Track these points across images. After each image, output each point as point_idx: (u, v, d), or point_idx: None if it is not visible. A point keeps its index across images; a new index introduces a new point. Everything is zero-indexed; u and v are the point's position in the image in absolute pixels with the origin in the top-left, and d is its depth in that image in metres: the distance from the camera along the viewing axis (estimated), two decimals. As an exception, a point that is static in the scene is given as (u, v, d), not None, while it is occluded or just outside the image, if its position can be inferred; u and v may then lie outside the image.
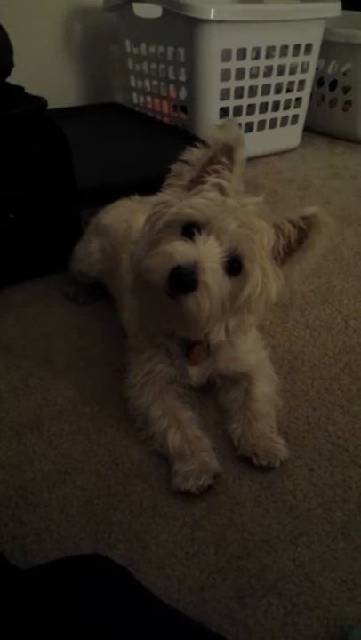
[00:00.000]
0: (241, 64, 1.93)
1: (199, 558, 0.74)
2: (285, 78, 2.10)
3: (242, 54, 1.92)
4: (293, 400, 0.99)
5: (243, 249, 0.73)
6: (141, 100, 2.35)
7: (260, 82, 2.04)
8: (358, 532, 0.76)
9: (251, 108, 2.08)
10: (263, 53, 1.98)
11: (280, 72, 2.07)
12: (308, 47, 2.08)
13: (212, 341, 0.83)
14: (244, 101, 2.04)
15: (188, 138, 1.90)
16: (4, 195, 1.23)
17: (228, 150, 0.78)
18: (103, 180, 1.48)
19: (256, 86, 2.04)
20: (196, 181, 0.80)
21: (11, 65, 1.23)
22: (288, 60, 2.06)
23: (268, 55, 2.00)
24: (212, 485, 0.82)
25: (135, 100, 2.39)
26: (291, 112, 2.22)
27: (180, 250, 0.71)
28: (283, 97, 2.15)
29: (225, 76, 1.93)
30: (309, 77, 2.19)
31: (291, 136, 2.30)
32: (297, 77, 2.14)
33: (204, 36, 1.79)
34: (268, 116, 2.15)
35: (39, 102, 1.23)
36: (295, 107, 2.22)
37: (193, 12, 1.72)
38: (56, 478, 0.86)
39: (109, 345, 1.14)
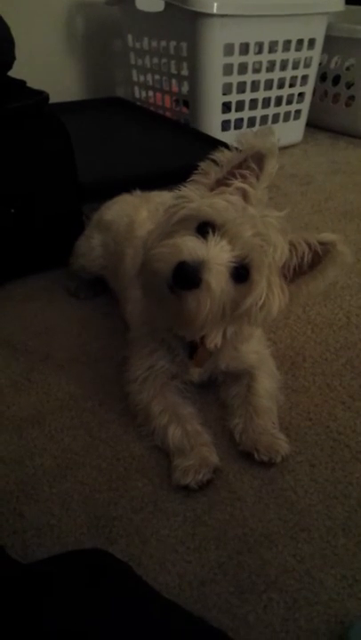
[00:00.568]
0: (244, 59, 1.93)
1: (200, 553, 0.74)
2: (288, 73, 2.09)
3: (245, 49, 1.91)
4: (295, 396, 0.99)
5: (253, 258, 0.72)
6: (143, 94, 2.35)
7: (262, 77, 2.03)
8: (359, 528, 0.76)
9: (253, 103, 2.07)
10: (266, 48, 1.97)
11: (283, 67, 2.06)
12: (311, 42, 2.07)
13: (208, 345, 0.81)
14: (247, 96, 2.03)
15: (191, 132, 1.90)
16: (5, 189, 1.23)
17: (260, 158, 0.77)
18: (105, 175, 1.47)
19: (259, 81, 2.03)
20: (221, 182, 0.79)
21: (12, 59, 1.23)
22: (291, 55, 2.05)
23: (271, 50, 1.99)
24: (211, 480, 0.82)
25: (137, 95, 2.39)
26: (293, 107, 2.22)
27: (190, 245, 0.71)
28: (285, 92, 2.14)
29: (227, 70, 1.92)
30: (312, 72, 2.18)
31: (293, 131, 2.30)
32: (300, 72, 2.13)
33: (207, 30, 1.78)
34: (271, 111, 2.15)
35: (41, 96, 1.22)
36: (298, 102, 2.22)
37: (196, 6, 1.71)
38: (57, 473, 0.86)
39: (110, 340, 1.14)
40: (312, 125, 2.43)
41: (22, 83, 1.28)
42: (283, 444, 0.86)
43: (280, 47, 2.00)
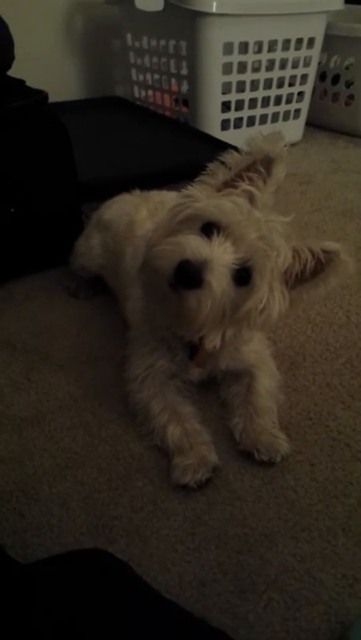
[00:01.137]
0: (243, 58, 1.93)
1: (200, 553, 0.73)
2: (288, 72, 2.09)
3: (244, 48, 1.91)
4: (295, 395, 0.98)
5: (256, 262, 0.72)
6: (143, 93, 2.34)
7: (262, 76, 2.03)
8: (359, 528, 0.76)
9: (253, 102, 2.07)
10: (265, 47, 1.97)
11: (282, 66, 2.06)
12: (311, 41, 2.07)
13: (206, 346, 0.80)
14: (246, 95, 2.03)
15: (190, 132, 1.90)
16: (5, 189, 1.23)
17: (268, 162, 0.78)
18: (104, 174, 1.47)
19: (258, 80, 2.03)
20: (228, 184, 0.79)
21: (12, 58, 1.23)
22: (290, 54, 2.05)
23: (271, 49, 1.99)
24: (210, 479, 0.82)
25: (136, 94, 2.39)
26: (293, 106, 2.22)
27: (194, 244, 0.70)
28: (285, 91, 2.14)
29: (227, 69, 1.92)
30: (312, 71, 2.18)
31: (293, 130, 2.30)
32: (299, 71, 2.13)
33: (206, 29, 1.78)
34: (271, 110, 2.15)
35: (40, 96, 1.22)
36: (297, 101, 2.22)
37: (195, 5, 1.71)
38: (57, 473, 0.86)
39: (110, 340, 1.14)
40: (312, 124, 2.43)
41: (21, 82, 1.28)
42: (283, 444, 0.86)
43: (279, 46, 2.00)
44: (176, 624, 0.54)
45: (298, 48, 2.05)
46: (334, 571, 0.71)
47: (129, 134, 1.91)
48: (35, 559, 0.67)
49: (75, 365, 1.08)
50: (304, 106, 2.26)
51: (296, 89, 2.17)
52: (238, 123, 2.08)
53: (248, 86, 2.02)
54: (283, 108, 2.18)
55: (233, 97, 2.00)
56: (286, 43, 2.01)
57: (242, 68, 1.95)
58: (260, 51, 1.97)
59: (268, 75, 2.04)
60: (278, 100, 2.15)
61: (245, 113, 2.07)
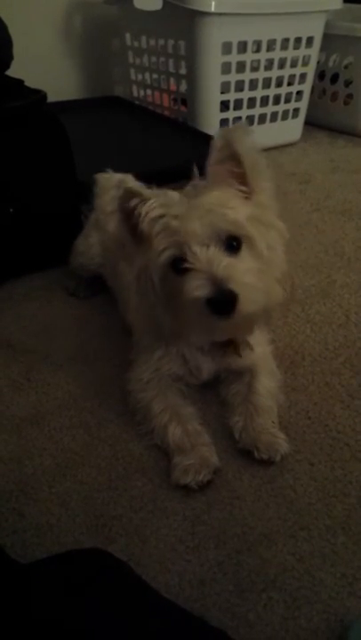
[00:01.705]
0: (242, 57, 1.93)
1: (199, 552, 0.74)
2: (286, 71, 2.09)
3: (243, 47, 1.91)
4: (294, 394, 0.98)
5: (221, 228, 0.73)
6: (141, 93, 2.34)
7: (261, 75, 2.03)
8: (359, 527, 0.76)
9: (252, 102, 2.07)
10: (264, 46, 1.96)
11: (281, 65, 2.06)
12: (310, 40, 2.07)
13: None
14: (245, 95, 2.03)
15: (189, 131, 1.90)
16: (3, 189, 1.23)
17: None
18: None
19: (257, 79, 2.03)
20: (136, 233, 0.78)
21: (10, 58, 1.23)
22: (289, 53, 2.05)
23: (270, 48, 1.99)
24: (211, 481, 0.82)
25: (135, 94, 2.38)
26: (292, 105, 2.21)
27: (196, 286, 0.71)
28: (284, 90, 2.14)
29: (226, 69, 1.92)
30: (311, 71, 2.17)
31: (292, 130, 2.29)
32: (298, 71, 2.13)
33: (205, 28, 1.78)
34: (269, 109, 2.14)
35: (39, 95, 1.22)
36: (296, 100, 2.21)
37: (193, 4, 1.71)
38: (56, 472, 0.86)
39: (110, 339, 1.14)
40: (311, 124, 2.42)
41: (20, 82, 1.27)
42: (282, 443, 0.86)
43: (278, 45, 2.00)
44: (175, 623, 0.54)
45: (297, 47, 2.05)
46: (334, 570, 0.71)
47: (128, 134, 1.91)
48: (34, 559, 0.67)
49: (74, 365, 1.08)
50: (303, 105, 2.25)
51: (295, 88, 2.17)
52: (237, 122, 2.07)
53: (247, 85, 2.02)
54: (281, 107, 2.18)
55: (232, 96, 2.00)
56: (285, 42, 2.01)
57: (240, 67, 1.95)
58: (258, 50, 1.97)
59: (267, 74, 2.04)
60: (277, 100, 2.15)
61: (244, 112, 2.07)
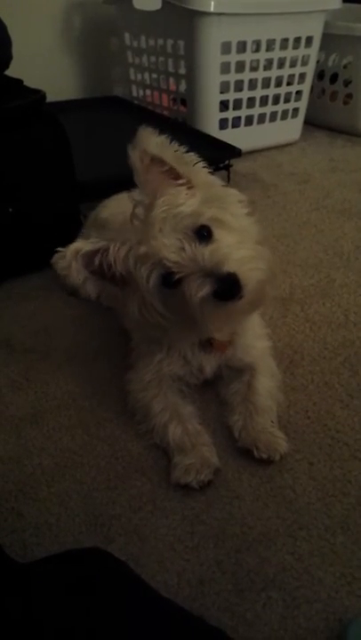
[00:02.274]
0: (241, 57, 1.92)
1: (198, 552, 0.74)
2: (286, 71, 2.09)
3: (242, 47, 1.91)
4: (293, 394, 0.99)
5: (183, 226, 0.73)
6: (141, 93, 2.34)
7: (260, 75, 2.02)
8: (358, 526, 0.76)
9: (251, 101, 2.07)
10: (263, 46, 1.96)
11: (280, 65, 2.06)
12: (309, 40, 2.07)
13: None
14: (245, 94, 2.03)
15: (188, 131, 1.90)
16: (3, 188, 1.23)
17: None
18: (102, 174, 1.47)
19: (256, 79, 2.03)
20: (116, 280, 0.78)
21: (9, 57, 1.23)
22: (288, 53, 2.05)
23: (269, 48, 1.99)
24: (212, 481, 0.82)
25: (134, 93, 2.38)
26: (291, 105, 2.21)
27: (196, 288, 0.70)
28: (283, 90, 2.13)
29: (225, 68, 1.91)
30: (310, 70, 2.17)
31: (291, 129, 2.29)
32: (297, 70, 2.13)
33: (204, 28, 1.78)
34: (269, 109, 2.14)
35: (38, 95, 1.23)
36: (296, 100, 2.21)
37: (193, 4, 1.71)
38: (55, 472, 0.86)
39: (108, 339, 1.14)
40: (310, 123, 2.42)
41: (19, 82, 1.28)
42: (282, 443, 0.86)
43: (277, 45, 2.00)
44: (174, 623, 0.54)
45: (296, 47, 2.05)
46: (333, 569, 0.71)
47: (127, 134, 1.90)
48: (34, 558, 0.67)
49: (73, 365, 1.08)
50: (302, 105, 2.25)
51: (294, 88, 2.17)
52: (236, 122, 2.07)
53: (246, 85, 2.01)
54: (281, 107, 2.17)
55: (231, 96, 2.00)
56: (284, 42, 2.00)
57: (240, 67, 1.95)
58: (258, 50, 1.97)
59: (266, 74, 2.04)
60: (276, 99, 2.14)
61: (243, 112, 2.07)
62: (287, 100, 2.18)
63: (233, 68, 1.93)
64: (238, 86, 2.00)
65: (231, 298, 0.70)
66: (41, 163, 1.26)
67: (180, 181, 0.77)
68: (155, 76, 2.17)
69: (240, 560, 0.72)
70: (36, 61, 2.12)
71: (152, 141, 0.76)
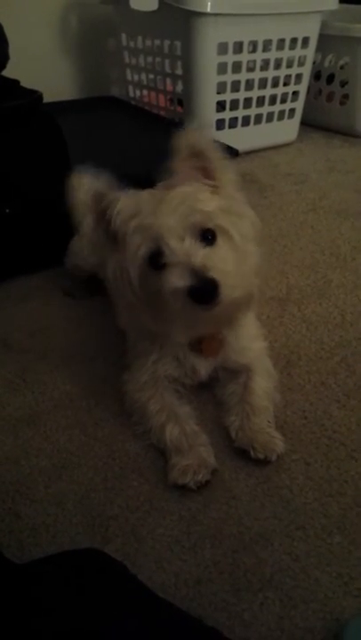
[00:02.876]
0: (238, 57, 1.93)
1: (195, 552, 0.74)
2: (282, 72, 2.09)
3: (239, 47, 1.91)
4: (290, 394, 0.99)
5: (194, 220, 0.73)
6: (137, 93, 2.34)
7: (257, 75, 2.03)
8: (354, 526, 0.76)
9: (248, 102, 2.07)
10: (260, 47, 1.97)
11: (277, 65, 2.06)
12: (306, 40, 2.07)
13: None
14: (241, 95, 2.03)
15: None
16: (-1, 189, 1.23)
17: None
18: (99, 174, 1.47)
19: (253, 80, 2.03)
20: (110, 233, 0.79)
21: (6, 58, 1.23)
22: (285, 54, 2.05)
23: (265, 48, 1.99)
24: (209, 481, 0.82)
25: (131, 94, 2.39)
26: (288, 106, 2.21)
27: (176, 278, 0.71)
28: (280, 90, 2.14)
29: (222, 69, 1.92)
30: (306, 71, 2.18)
31: (288, 130, 2.30)
32: (294, 71, 2.13)
33: (201, 29, 1.78)
34: (265, 109, 2.14)
35: (35, 96, 1.23)
36: (292, 100, 2.21)
37: (189, 4, 1.71)
38: (52, 473, 0.86)
39: (106, 339, 1.14)
40: (306, 124, 2.43)
41: (16, 82, 1.28)
42: (278, 443, 0.86)
43: (274, 46, 2.00)
44: (171, 623, 0.54)
45: (292, 47, 2.05)
46: (330, 569, 0.71)
47: (124, 134, 1.91)
48: (31, 559, 0.67)
49: (70, 365, 1.08)
50: (299, 105, 2.26)
51: (291, 88, 2.17)
52: (233, 122, 2.08)
53: (243, 86, 2.01)
54: (277, 107, 2.18)
55: (228, 96, 2.00)
56: (281, 42, 2.01)
57: (236, 67, 1.95)
58: (254, 50, 1.97)
59: (263, 74, 2.04)
60: (273, 100, 2.15)
61: (240, 112, 2.07)
62: (284, 101, 2.19)
63: (230, 68, 1.93)
64: (235, 87, 2.00)
65: (204, 302, 0.70)
66: (37, 163, 1.26)
67: (209, 182, 0.78)
68: (151, 76, 2.17)
69: (237, 560, 0.72)
70: (33, 62, 2.11)
71: (203, 137, 0.77)
